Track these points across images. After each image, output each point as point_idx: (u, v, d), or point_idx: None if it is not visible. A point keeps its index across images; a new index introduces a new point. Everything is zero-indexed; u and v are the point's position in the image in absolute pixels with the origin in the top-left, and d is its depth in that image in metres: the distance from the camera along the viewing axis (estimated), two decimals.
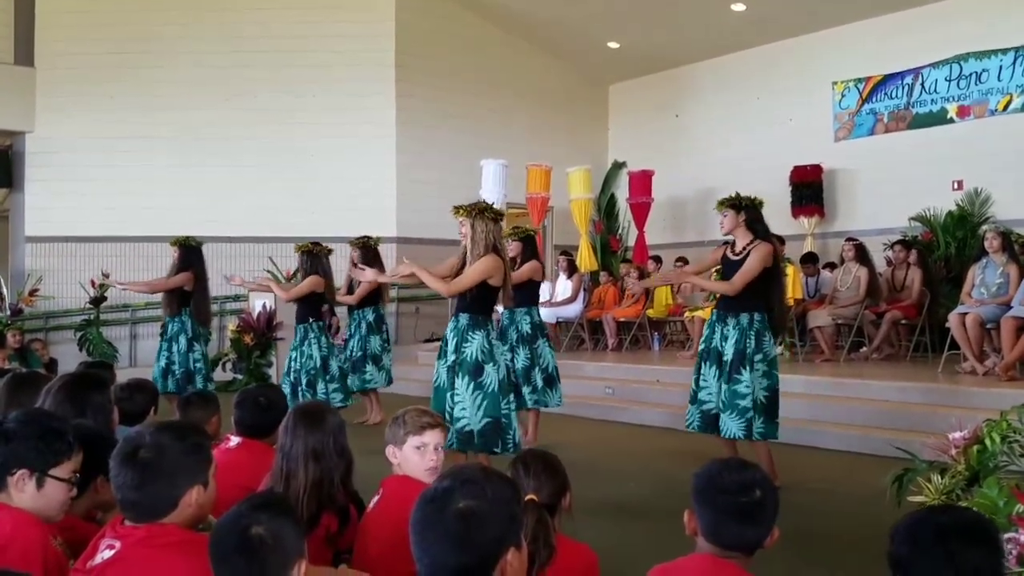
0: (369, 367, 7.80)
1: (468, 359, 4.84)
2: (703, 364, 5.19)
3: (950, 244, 9.70)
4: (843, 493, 5.07)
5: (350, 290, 7.97)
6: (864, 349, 8.77)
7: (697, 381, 5.22)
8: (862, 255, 8.78)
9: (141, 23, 12.06)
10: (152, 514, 1.99)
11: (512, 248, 6.57)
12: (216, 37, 12.01)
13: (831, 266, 9.87)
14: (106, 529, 2.02)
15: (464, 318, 4.93)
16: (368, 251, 7.70)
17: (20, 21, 12.13)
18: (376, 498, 2.67)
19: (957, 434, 2.75)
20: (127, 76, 11.96)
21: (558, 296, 10.78)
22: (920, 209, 10.15)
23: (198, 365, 7.67)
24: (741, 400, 4.96)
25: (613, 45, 13.08)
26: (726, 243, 5.41)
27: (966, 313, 7.12)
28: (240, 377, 10.00)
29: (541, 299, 10.43)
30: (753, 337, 5.01)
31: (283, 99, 11.97)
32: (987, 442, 2.65)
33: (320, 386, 7.25)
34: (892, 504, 2.88)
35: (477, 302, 4.90)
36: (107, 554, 1.93)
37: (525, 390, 6.33)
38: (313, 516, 2.60)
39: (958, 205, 9.99)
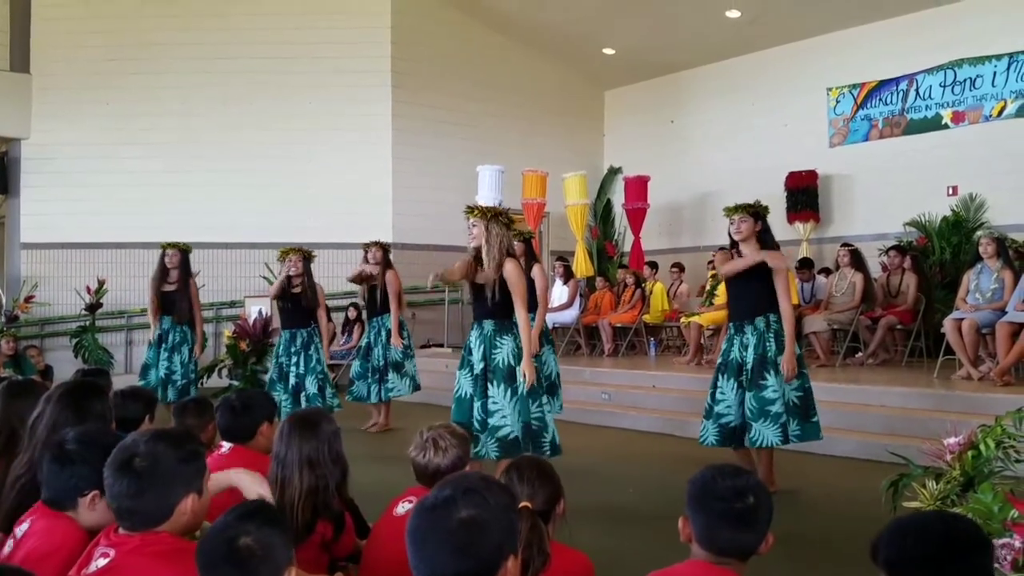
0: (391, 375, 7.57)
1: (501, 365, 4.76)
2: (720, 377, 5.12)
3: (945, 249, 9.72)
4: (839, 498, 5.07)
5: (371, 297, 7.74)
6: (860, 354, 8.78)
7: (713, 395, 5.15)
8: (857, 260, 8.80)
9: (137, 29, 12.06)
10: (147, 522, 1.98)
11: (516, 249, 6.56)
12: (211, 43, 12.00)
13: (826, 271, 9.88)
14: (100, 537, 2.01)
15: (489, 324, 4.83)
16: (386, 253, 7.77)
17: (16, 27, 12.12)
18: (409, 505, 2.63)
19: (952, 439, 2.75)
20: (123, 82, 11.95)
21: (554, 301, 10.78)
22: (915, 215, 10.18)
23: (193, 376, 7.74)
24: (771, 406, 4.88)
25: (609, 51, 13.11)
26: (723, 248, 5.39)
27: (961, 318, 7.12)
28: (236, 383, 9.95)
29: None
30: (772, 338, 4.99)
31: (279, 105, 11.96)
32: (982, 447, 2.65)
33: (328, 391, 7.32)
34: (888, 509, 2.88)
35: (501, 307, 4.81)
36: (101, 562, 1.93)
37: None
38: (308, 523, 2.60)
39: (953, 210, 10.01)
